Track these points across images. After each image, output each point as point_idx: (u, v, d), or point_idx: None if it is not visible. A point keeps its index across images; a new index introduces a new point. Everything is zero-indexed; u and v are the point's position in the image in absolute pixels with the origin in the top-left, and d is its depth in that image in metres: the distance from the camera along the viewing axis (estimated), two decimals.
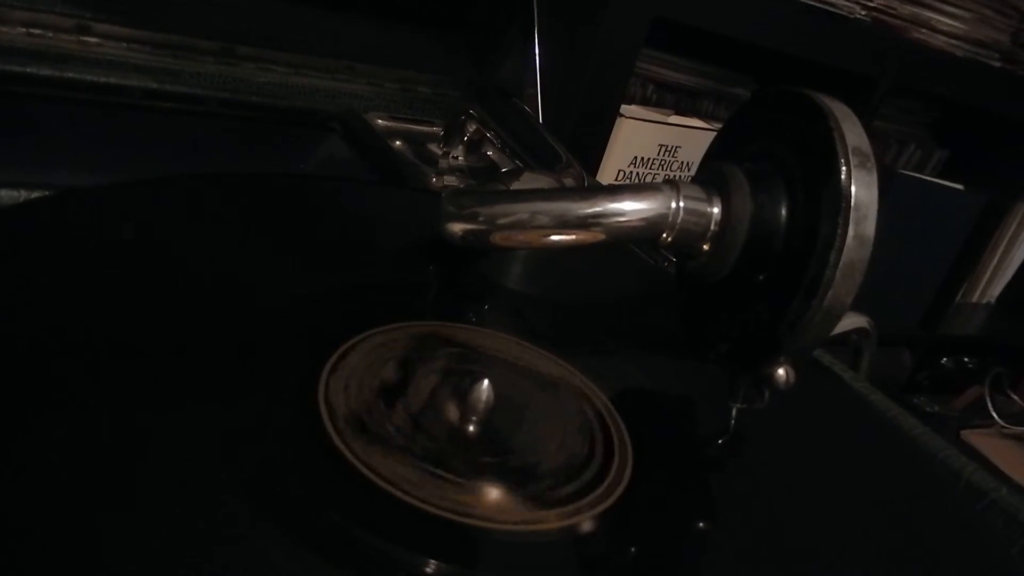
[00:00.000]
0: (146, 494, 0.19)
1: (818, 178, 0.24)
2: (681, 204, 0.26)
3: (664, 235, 0.26)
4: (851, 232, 0.23)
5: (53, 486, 0.18)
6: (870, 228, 0.23)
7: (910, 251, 1.14)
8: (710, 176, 0.27)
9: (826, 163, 0.24)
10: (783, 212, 0.25)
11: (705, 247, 0.27)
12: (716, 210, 0.26)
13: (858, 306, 0.37)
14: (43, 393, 0.21)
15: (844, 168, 0.23)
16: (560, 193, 0.30)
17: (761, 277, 0.26)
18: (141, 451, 0.20)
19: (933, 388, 1.26)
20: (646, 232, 0.26)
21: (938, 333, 1.26)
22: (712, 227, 0.26)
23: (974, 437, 1.07)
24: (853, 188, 0.23)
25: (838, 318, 0.24)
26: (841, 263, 0.23)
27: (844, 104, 0.25)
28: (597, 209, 0.26)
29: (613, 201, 0.26)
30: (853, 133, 0.24)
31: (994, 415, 1.14)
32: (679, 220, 0.26)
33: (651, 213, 0.26)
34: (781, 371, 0.25)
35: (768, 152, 0.27)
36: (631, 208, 0.26)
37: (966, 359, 1.31)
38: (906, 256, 1.14)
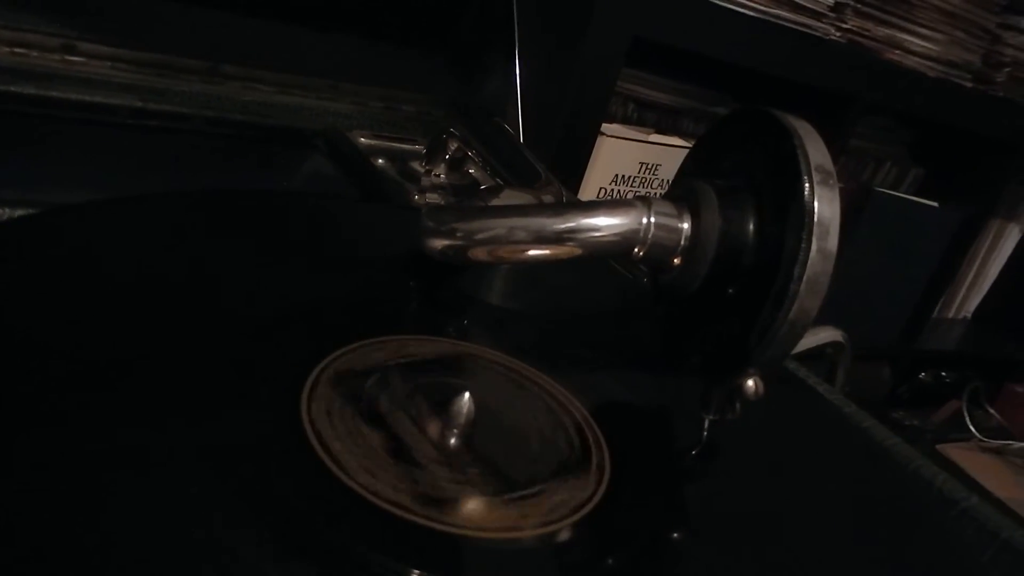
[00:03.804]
0: (133, 508, 0.19)
1: (784, 194, 0.25)
2: (652, 219, 0.27)
3: (636, 249, 0.27)
4: (815, 246, 0.24)
5: (39, 500, 0.18)
6: (833, 243, 0.24)
7: (887, 267, 1.16)
8: (682, 192, 0.28)
9: (791, 180, 0.25)
10: (751, 227, 0.26)
11: (676, 261, 0.28)
12: (686, 225, 0.27)
13: (836, 321, 0.38)
14: (30, 408, 0.21)
15: (808, 185, 0.24)
16: (537, 209, 0.31)
17: (731, 290, 0.27)
18: (128, 466, 0.20)
19: (912, 402, 1.27)
20: (619, 247, 0.27)
21: (916, 348, 1.27)
22: (682, 242, 0.27)
23: (952, 451, 1.08)
24: (816, 204, 0.24)
25: (804, 329, 0.25)
26: (806, 276, 0.24)
27: (809, 124, 0.26)
28: (572, 224, 0.27)
29: (587, 217, 0.27)
30: (817, 152, 0.25)
31: (972, 429, 1.16)
32: (651, 235, 0.27)
33: (624, 228, 0.27)
34: (750, 382, 0.26)
35: (738, 169, 0.28)
36: (605, 223, 0.27)
37: (944, 373, 1.32)
38: (883, 272, 1.16)
